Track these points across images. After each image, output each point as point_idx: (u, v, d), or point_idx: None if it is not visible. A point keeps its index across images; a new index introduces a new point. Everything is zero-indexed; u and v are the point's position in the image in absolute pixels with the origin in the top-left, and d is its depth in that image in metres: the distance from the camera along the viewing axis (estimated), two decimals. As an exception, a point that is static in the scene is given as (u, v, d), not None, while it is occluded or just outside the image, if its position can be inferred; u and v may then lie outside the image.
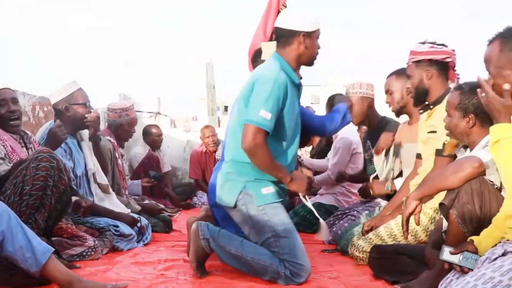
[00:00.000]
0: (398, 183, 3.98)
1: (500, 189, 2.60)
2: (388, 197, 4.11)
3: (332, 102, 4.26)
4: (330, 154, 5.42)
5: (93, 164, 4.20)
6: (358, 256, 3.59)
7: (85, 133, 4.23)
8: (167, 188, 7.09)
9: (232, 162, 3.15)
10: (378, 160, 4.21)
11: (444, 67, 3.53)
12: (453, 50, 3.56)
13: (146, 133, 7.15)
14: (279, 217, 3.05)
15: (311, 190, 3.23)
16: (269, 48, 3.98)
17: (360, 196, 4.79)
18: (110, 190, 4.36)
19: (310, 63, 3.29)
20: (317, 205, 5.08)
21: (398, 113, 4.12)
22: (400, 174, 4.10)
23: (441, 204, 2.66)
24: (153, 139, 7.11)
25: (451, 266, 2.41)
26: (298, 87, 3.23)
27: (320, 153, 6.04)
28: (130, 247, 4.02)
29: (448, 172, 2.63)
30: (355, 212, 4.44)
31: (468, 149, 2.90)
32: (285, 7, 8.65)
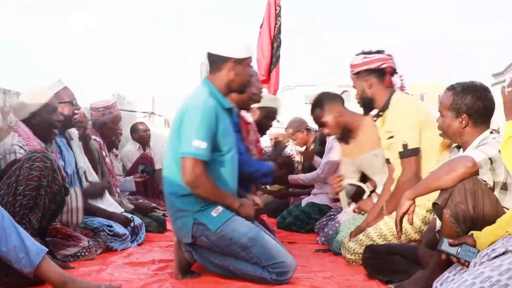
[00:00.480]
0: (379, 179, 4.06)
1: (493, 188, 2.62)
2: None
3: (318, 103, 4.24)
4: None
5: (84, 163, 4.20)
6: (350, 258, 3.61)
7: (74, 132, 4.23)
8: (160, 185, 7.08)
9: (175, 197, 3.06)
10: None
11: (382, 74, 3.64)
12: (389, 55, 3.67)
13: (133, 130, 7.20)
14: (239, 230, 2.99)
15: (260, 215, 3.18)
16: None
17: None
18: None
19: (240, 90, 3.25)
20: (311, 205, 5.09)
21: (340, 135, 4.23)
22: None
23: (434, 204, 2.68)
24: (140, 135, 7.13)
25: (448, 258, 2.42)
26: (229, 111, 3.17)
27: (312, 153, 6.04)
28: (124, 247, 4.02)
29: (441, 172, 2.64)
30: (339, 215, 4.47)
31: (461, 149, 2.92)
32: (280, 7, 8.71)
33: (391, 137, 3.56)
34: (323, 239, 4.34)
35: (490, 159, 2.59)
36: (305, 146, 6.29)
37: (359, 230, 3.72)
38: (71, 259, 3.43)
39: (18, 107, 3.70)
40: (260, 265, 2.98)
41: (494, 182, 2.63)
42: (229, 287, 2.97)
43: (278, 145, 5.71)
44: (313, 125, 5.39)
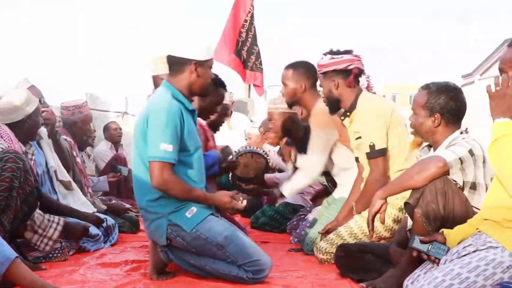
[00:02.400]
0: (284, 188, 4.16)
1: (462, 188, 2.67)
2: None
3: (295, 65, 4.26)
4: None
5: (54, 162, 4.16)
6: (322, 258, 3.63)
7: (43, 130, 4.19)
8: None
9: (146, 201, 3.05)
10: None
11: (349, 75, 3.66)
12: (357, 56, 3.70)
13: (105, 129, 7.21)
14: (214, 230, 3.00)
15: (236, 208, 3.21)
16: (156, 64, 3.99)
17: (269, 203, 4.99)
18: (73, 186, 4.32)
19: (202, 92, 3.25)
20: (285, 205, 5.10)
21: (291, 105, 4.22)
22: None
23: (406, 203, 2.72)
24: (111, 133, 7.13)
25: (420, 255, 2.46)
26: (192, 112, 3.17)
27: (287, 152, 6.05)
28: (97, 247, 3.98)
29: (413, 171, 2.68)
30: (313, 211, 4.49)
31: (432, 148, 2.96)
32: (253, 7, 8.80)
33: (359, 137, 3.60)
34: (296, 239, 4.36)
35: (460, 159, 2.64)
36: (278, 146, 6.30)
37: (328, 228, 3.74)
38: (43, 260, 3.39)
39: (9, 110, 3.65)
40: (236, 264, 2.99)
41: (463, 182, 2.68)
42: (203, 287, 2.97)
43: (224, 151, 5.72)
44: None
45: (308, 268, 3.49)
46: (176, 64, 3.12)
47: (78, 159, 5.01)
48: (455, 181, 2.65)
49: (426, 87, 2.93)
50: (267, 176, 5.30)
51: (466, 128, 2.93)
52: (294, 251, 4.11)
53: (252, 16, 8.90)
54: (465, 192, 2.69)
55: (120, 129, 7.26)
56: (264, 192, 5.73)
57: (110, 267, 3.40)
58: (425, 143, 3.06)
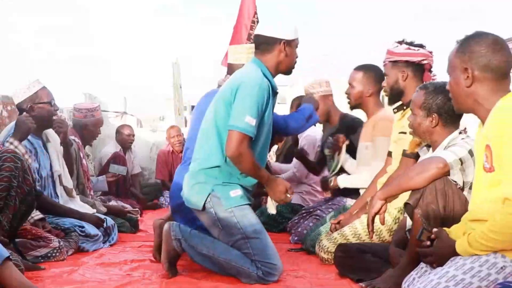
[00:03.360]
0: (341, 179, 4.14)
1: (462, 188, 2.67)
2: (348, 193, 4.25)
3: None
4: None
5: (60, 166, 4.16)
6: (323, 257, 3.63)
7: (51, 133, 4.18)
8: (135, 188, 7.05)
9: (200, 165, 3.14)
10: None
11: (420, 69, 3.56)
12: (431, 52, 3.60)
13: (118, 132, 7.18)
14: (247, 219, 3.06)
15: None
16: (236, 53, 4.00)
17: (321, 189, 4.91)
18: (74, 194, 4.34)
19: (288, 71, 3.32)
20: (283, 204, 5.10)
21: (353, 107, 4.21)
22: (342, 171, 4.30)
23: (406, 204, 2.71)
24: (122, 138, 7.10)
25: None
26: (275, 94, 3.25)
27: (287, 153, 6.05)
28: (96, 247, 3.99)
29: (413, 172, 2.67)
30: (319, 211, 4.48)
31: (431, 148, 2.96)
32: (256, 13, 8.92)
33: (404, 132, 3.52)
34: (295, 238, 4.35)
35: (460, 159, 2.64)
36: (277, 146, 6.31)
37: (339, 219, 3.73)
38: (42, 260, 3.39)
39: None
40: (250, 258, 3.01)
41: (463, 182, 2.68)
42: (201, 287, 2.97)
43: None
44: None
45: (308, 268, 3.48)
46: (265, 43, 3.20)
47: (84, 161, 5.02)
48: (455, 182, 2.64)
49: (424, 87, 2.92)
50: (273, 164, 5.34)
51: (465, 128, 2.92)
52: (293, 251, 4.11)
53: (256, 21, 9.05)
54: (465, 193, 2.68)
55: (133, 135, 7.24)
56: (264, 192, 5.72)
57: (109, 267, 3.41)
58: (424, 143, 3.04)
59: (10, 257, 2.49)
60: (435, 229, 2.45)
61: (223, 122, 3.06)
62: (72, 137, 4.81)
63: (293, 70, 3.37)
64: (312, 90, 4.66)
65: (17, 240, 3.26)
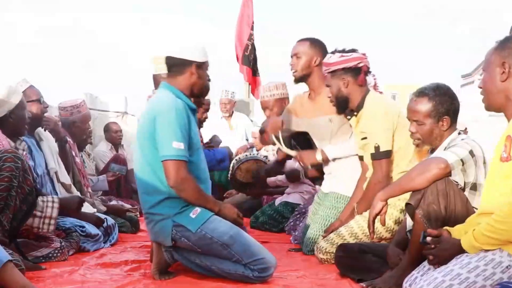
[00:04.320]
0: (329, 150, 4.02)
1: (463, 189, 2.67)
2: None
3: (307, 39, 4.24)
4: None
5: (56, 163, 4.15)
6: (322, 258, 3.63)
7: (44, 132, 4.19)
8: (134, 185, 7.05)
9: (151, 203, 3.06)
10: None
11: (359, 72, 3.64)
12: (364, 54, 3.69)
13: (106, 130, 7.21)
14: (219, 229, 3.01)
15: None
16: (157, 63, 3.98)
17: (289, 181, 4.98)
18: (73, 189, 4.33)
19: (200, 94, 3.28)
20: (284, 204, 5.11)
21: (298, 80, 4.13)
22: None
23: (407, 204, 2.72)
24: (111, 135, 7.13)
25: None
26: (194, 112, 3.20)
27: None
28: (97, 247, 3.98)
29: (414, 173, 2.68)
30: (309, 209, 4.49)
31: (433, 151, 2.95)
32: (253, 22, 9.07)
33: (365, 138, 3.59)
34: (295, 241, 4.36)
35: (461, 160, 2.64)
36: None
37: (331, 228, 3.74)
38: (43, 260, 3.39)
39: None
40: (241, 263, 2.99)
41: (464, 182, 2.68)
42: (203, 287, 2.97)
43: (214, 139, 5.74)
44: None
45: (308, 268, 3.48)
46: (176, 65, 3.14)
47: (77, 159, 5.00)
48: (456, 182, 2.65)
49: (423, 94, 2.88)
50: (270, 180, 5.32)
51: (466, 128, 2.93)
52: (294, 251, 4.11)
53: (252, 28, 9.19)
54: (466, 193, 2.69)
55: (121, 131, 7.25)
56: (265, 192, 5.74)
57: (110, 267, 3.40)
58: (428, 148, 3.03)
59: (11, 258, 2.49)
60: (435, 231, 2.45)
61: (152, 156, 3.00)
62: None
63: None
64: (268, 93, 4.72)
65: (18, 240, 3.26)
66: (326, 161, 4.04)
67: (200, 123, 4.71)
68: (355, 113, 3.67)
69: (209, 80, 3.27)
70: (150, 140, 3.01)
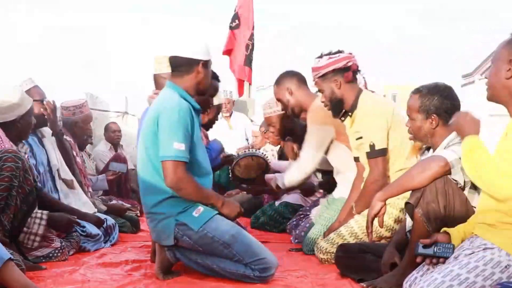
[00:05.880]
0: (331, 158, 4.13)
1: (463, 188, 2.67)
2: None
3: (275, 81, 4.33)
4: None
5: (57, 160, 4.15)
6: (323, 258, 3.64)
7: (47, 130, 4.19)
8: (133, 185, 7.05)
9: (154, 202, 3.07)
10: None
11: (349, 72, 3.65)
12: (351, 54, 3.70)
13: (106, 130, 7.23)
14: (220, 229, 3.02)
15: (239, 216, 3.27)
16: (158, 63, 3.99)
17: (304, 195, 5.05)
18: (75, 185, 4.32)
19: (204, 92, 3.32)
20: (284, 204, 5.11)
21: (298, 116, 4.27)
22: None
23: (406, 203, 2.72)
24: (109, 135, 7.15)
25: (424, 260, 2.45)
26: (198, 112, 3.20)
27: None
28: (97, 247, 3.98)
29: (414, 172, 2.68)
30: (314, 211, 4.50)
31: (431, 150, 2.96)
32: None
33: (360, 137, 3.59)
34: (296, 241, 4.36)
35: (461, 158, 2.64)
36: (279, 145, 6.30)
37: (331, 229, 3.75)
38: (43, 260, 3.39)
39: (2, 109, 3.53)
40: (242, 263, 3.00)
41: (464, 181, 2.68)
42: (203, 287, 2.97)
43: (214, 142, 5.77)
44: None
45: (308, 268, 3.48)
46: (182, 65, 3.14)
47: (78, 159, 5.01)
48: (456, 181, 2.65)
49: (417, 91, 2.93)
50: (268, 176, 5.30)
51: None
52: (294, 251, 4.11)
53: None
54: (466, 192, 2.69)
55: (120, 131, 7.26)
56: (265, 190, 5.74)
57: (111, 267, 3.40)
58: (425, 146, 3.05)
59: (12, 257, 2.50)
60: (427, 240, 2.45)
61: (155, 155, 3.01)
62: (64, 137, 4.79)
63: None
64: (269, 110, 4.80)
65: (19, 240, 3.26)
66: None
67: (210, 124, 4.71)
68: (350, 114, 3.67)
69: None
70: (154, 139, 3.02)
